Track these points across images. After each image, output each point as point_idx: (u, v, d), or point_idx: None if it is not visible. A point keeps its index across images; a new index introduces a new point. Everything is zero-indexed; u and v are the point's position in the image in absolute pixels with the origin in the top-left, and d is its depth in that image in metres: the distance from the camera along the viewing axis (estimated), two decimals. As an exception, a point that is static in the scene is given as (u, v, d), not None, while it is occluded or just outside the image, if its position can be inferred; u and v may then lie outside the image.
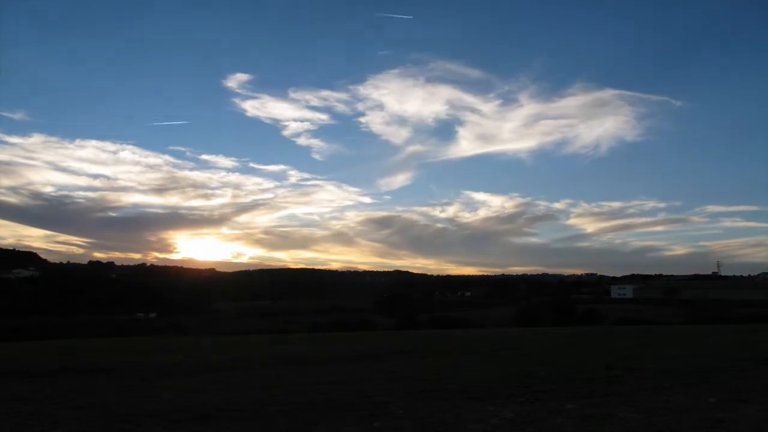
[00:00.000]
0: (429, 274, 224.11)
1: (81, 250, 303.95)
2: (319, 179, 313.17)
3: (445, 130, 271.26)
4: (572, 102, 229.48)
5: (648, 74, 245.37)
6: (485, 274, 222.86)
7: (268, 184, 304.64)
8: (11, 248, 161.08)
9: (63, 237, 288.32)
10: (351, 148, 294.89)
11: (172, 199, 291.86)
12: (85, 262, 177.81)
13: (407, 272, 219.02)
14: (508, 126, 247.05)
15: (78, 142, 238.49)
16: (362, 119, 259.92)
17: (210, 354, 16.39)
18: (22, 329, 39.30)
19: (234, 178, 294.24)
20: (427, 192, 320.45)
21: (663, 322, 39.46)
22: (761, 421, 5.24)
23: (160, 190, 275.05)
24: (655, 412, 5.72)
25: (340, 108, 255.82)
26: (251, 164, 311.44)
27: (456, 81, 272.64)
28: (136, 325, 52.92)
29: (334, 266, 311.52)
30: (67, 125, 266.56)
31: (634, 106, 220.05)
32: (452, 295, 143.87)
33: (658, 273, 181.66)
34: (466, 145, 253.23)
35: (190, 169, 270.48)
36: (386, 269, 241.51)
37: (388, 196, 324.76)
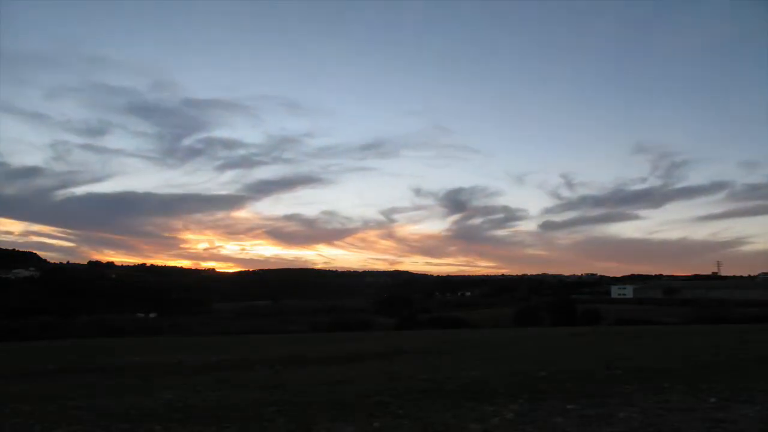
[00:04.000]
0: (429, 274, 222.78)
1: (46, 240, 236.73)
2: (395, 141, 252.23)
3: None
4: None
5: None
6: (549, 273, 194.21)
7: (318, 135, 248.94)
8: (11, 248, 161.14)
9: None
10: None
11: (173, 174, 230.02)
12: (85, 262, 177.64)
13: (407, 272, 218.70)
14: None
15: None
16: None
17: (210, 354, 16.40)
18: (22, 329, 39.22)
19: (270, 128, 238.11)
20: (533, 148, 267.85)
21: (663, 322, 39.47)
22: (761, 421, 5.25)
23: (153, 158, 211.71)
24: (655, 412, 5.73)
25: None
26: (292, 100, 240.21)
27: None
28: (136, 325, 52.78)
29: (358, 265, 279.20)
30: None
31: None
32: (452, 296, 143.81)
33: (658, 273, 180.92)
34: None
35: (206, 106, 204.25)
36: (391, 269, 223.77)
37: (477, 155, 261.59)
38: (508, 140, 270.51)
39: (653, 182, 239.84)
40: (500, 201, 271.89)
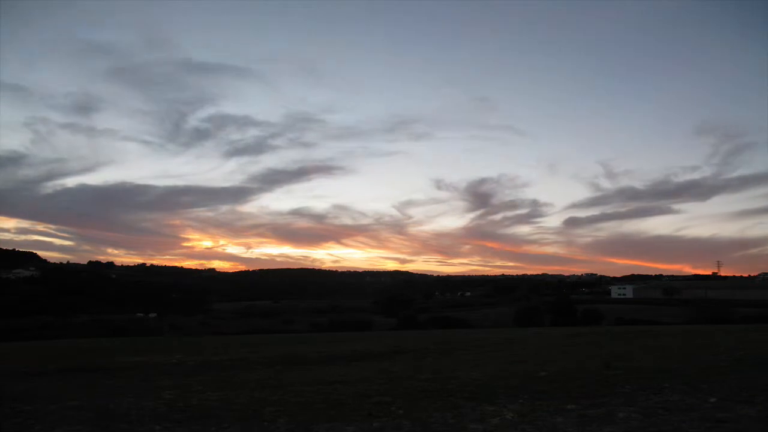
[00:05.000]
0: (429, 274, 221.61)
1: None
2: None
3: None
4: None
5: None
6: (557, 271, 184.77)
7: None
8: (11, 248, 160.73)
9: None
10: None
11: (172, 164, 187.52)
12: (85, 262, 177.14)
13: (407, 272, 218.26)
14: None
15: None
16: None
17: (210, 354, 16.37)
18: (22, 329, 39.26)
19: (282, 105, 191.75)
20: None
21: (663, 322, 39.44)
22: (761, 421, 5.24)
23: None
24: (655, 412, 5.73)
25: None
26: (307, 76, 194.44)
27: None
28: (136, 325, 52.79)
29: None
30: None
31: None
32: (452, 296, 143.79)
33: (658, 273, 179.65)
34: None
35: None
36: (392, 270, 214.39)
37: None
38: (547, 120, 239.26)
39: (705, 171, 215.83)
40: (528, 193, 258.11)
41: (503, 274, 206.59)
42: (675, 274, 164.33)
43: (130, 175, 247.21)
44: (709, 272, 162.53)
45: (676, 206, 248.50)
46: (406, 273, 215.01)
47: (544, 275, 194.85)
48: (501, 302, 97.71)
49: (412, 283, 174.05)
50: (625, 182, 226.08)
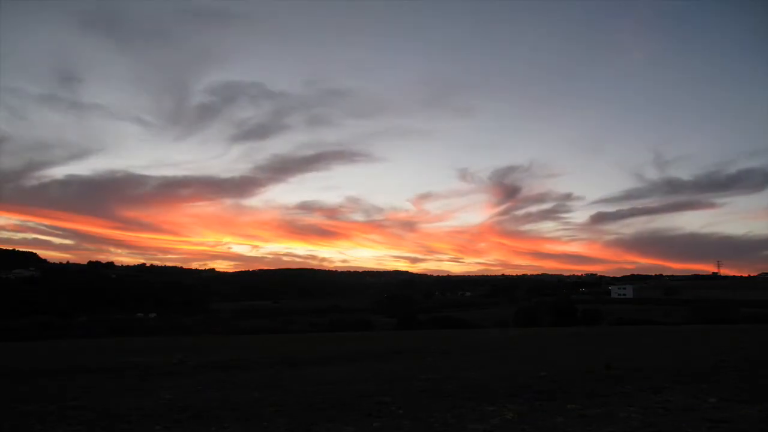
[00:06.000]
0: (429, 274, 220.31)
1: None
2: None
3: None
4: None
5: None
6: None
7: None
8: (11, 248, 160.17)
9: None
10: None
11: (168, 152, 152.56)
12: (85, 262, 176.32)
13: (407, 272, 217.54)
14: None
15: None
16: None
17: (210, 354, 16.38)
18: (22, 329, 39.28)
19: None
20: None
21: (663, 323, 39.45)
22: (761, 421, 5.25)
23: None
24: (655, 412, 5.73)
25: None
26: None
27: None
28: (136, 325, 52.79)
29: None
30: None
31: None
32: (452, 295, 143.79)
33: (658, 273, 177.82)
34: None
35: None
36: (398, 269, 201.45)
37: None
38: (597, 94, 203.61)
39: (766, 159, 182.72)
40: (559, 184, 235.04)
41: (503, 275, 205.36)
42: (698, 273, 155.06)
43: (124, 163, 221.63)
44: (710, 271, 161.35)
45: (720, 200, 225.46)
46: (407, 273, 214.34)
47: (543, 275, 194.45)
48: (501, 302, 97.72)
49: (413, 283, 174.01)
50: (672, 172, 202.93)
